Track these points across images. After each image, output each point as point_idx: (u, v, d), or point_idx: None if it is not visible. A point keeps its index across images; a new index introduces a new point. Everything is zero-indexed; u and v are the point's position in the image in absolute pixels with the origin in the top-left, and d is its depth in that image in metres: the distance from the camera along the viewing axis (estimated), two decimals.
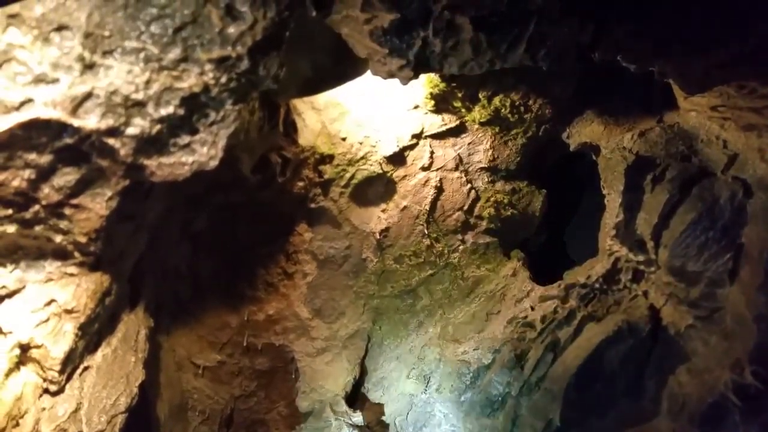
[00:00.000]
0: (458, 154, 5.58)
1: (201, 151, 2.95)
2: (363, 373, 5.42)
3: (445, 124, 5.54)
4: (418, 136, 5.51)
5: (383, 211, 5.51)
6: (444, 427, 5.23)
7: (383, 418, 5.35)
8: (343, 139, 5.37)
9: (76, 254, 2.91)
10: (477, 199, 5.66)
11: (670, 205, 4.86)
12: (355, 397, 5.36)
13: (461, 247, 5.64)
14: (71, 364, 3.02)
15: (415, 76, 3.56)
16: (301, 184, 5.22)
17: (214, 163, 3.00)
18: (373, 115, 5.44)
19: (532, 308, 5.28)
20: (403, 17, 3.19)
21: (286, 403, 5.30)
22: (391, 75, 3.61)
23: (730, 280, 4.57)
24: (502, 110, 5.51)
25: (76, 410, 3.07)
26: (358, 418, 5.13)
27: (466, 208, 5.62)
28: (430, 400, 5.27)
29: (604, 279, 5.27)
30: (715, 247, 4.62)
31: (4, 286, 2.76)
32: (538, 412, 4.79)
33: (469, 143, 5.60)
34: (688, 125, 5.13)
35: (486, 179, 5.68)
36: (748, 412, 4.30)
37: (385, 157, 5.42)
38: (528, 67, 4.71)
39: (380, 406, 5.34)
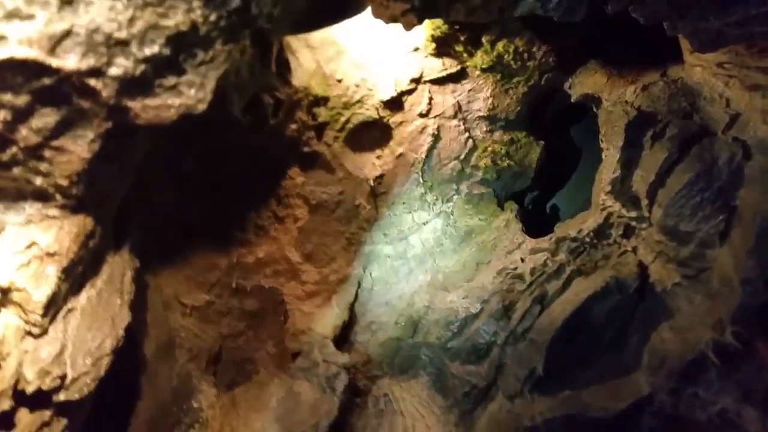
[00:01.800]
0: (457, 101, 5.43)
1: (188, 93, 2.82)
2: (352, 317, 5.45)
3: (446, 69, 5.37)
4: (417, 81, 5.34)
5: (378, 157, 5.41)
6: (429, 370, 5.33)
7: (370, 360, 5.42)
8: (339, 81, 5.20)
9: (58, 197, 2.82)
10: (474, 148, 5.56)
11: (668, 163, 4.79)
12: (344, 340, 5.41)
13: (455, 197, 5.58)
14: (54, 307, 2.98)
15: (419, 22, 3.40)
16: (293, 126, 5.08)
17: (202, 107, 2.88)
18: (371, 56, 5.25)
19: (522, 260, 5.29)
20: None
21: (274, 343, 5.35)
22: (393, 19, 3.44)
23: (720, 241, 4.56)
24: (505, 56, 5.34)
25: (60, 353, 3.05)
26: (345, 359, 5.20)
27: (462, 157, 5.53)
28: (416, 345, 5.34)
29: (594, 233, 5.26)
30: (709, 208, 4.59)
31: None
32: (523, 361, 4.87)
33: (469, 90, 5.44)
34: (692, 81, 5.01)
35: (484, 128, 5.55)
36: (725, 371, 4.39)
37: (382, 102, 5.27)
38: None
39: (367, 348, 5.41)
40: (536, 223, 5.79)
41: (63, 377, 3.13)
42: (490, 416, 4.96)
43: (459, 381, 5.07)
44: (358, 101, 5.27)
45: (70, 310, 3.22)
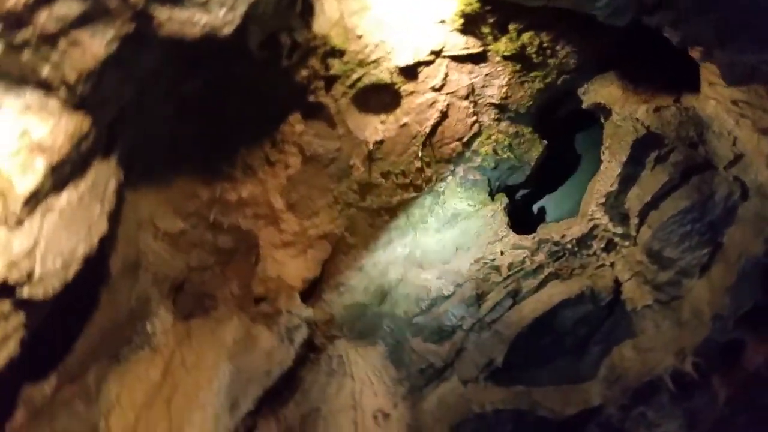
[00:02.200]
0: (472, 83, 5.36)
1: (217, 14, 2.71)
2: (323, 274, 5.41)
3: (467, 48, 5.27)
4: (437, 54, 5.24)
5: (382, 122, 5.32)
6: (388, 340, 5.34)
7: (332, 319, 5.40)
8: (359, 37, 5.06)
9: (61, 91, 2.69)
10: (478, 133, 5.52)
11: (666, 188, 4.84)
12: (310, 295, 5.38)
13: (449, 178, 5.54)
14: (34, 201, 2.87)
15: None
16: (305, 73, 4.94)
17: (228, 30, 2.78)
18: (396, 18, 5.12)
19: (502, 253, 5.31)
20: None
21: (240, 284, 5.28)
22: None
23: (700, 273, 4.64)
24: (528, 48, 5.27)
25: (32, 249, 2.96)
26: (308, 313, 5.17)
27: (465, 140, 5.48)
28: (381, 314, 5.34)
29: (577, 241, 5.31)
30: (697, 239, 4.66)
31: None
32: (484, 350, 4.93)
33: (486, 74, 5.37)
34: (704, 112, 5.02)
35: (493, 116, 5.50)
36: (678, 397, 4.51)
37: (397, 67, 5.16)
38: (571, 11, 4.49)
39: (332, 308, 5.38)
40: (521, 220, 5.79)
41: (30, 274, 3.04)
42: (441, 396, 5.02)
43: (417, 357, 5.10)
44: (374, 61, 5.16)
45: (49, 209, 3.12)
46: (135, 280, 4.63)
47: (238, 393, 4.86)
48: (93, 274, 3.93)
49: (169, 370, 4.82)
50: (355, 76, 5.12)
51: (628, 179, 5.12)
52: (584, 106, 5.63)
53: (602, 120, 5.62)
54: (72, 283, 3.40)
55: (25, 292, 3.05)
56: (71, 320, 4.02)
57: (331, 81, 5.10)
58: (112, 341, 4.41)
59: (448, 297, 5.15)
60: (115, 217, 3.95)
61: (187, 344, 4.96)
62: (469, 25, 5.19)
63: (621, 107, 5.38)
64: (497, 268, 5.20)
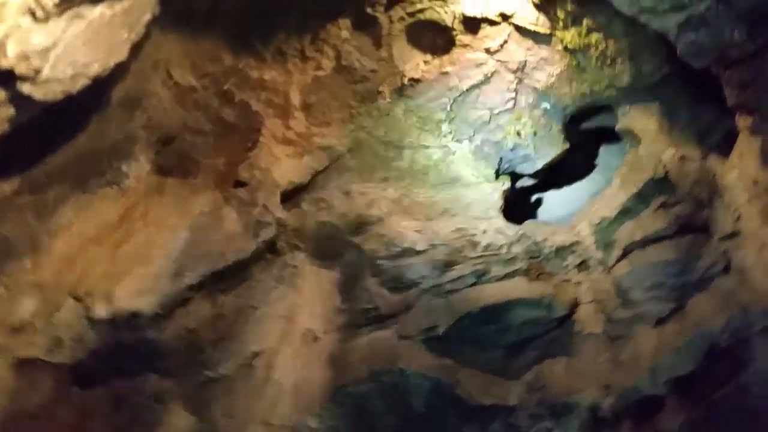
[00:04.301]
0: (526, 60, 5.22)
1: None
2: (310, 184, 5.31)
3: (536, 25, 5.11)
4: (505, 18, 5.07)
5: (426, 62, 5.15)
6: (346, 270, 5.28)
7: (300, 230, 5.35)
8: None
9: None
10: (510, 111, 5.41)
11: (660, 234, 4.88)
12: (289, 199, 5.29)
13: (466, 142, 5.46)
14: (68, 3, 2.70)
15: None
16: None
17: None
18: None
19: (485, 232, 5.32)
20: None
21: (227, 162, 5.15)
22: None
23: (655, 325, 4.76)
24: (592, 50, 5.13)
25: (49, 49, 2.77)
26: (282, 215, 5.11)
27: (496, 112, 5.38)
28: (350, 243, 5.24)
29: (556, 250, 5.36)
30: (666, 293, 4.76)
31: None
32: (431, 315, 4.99)
33: (542, 57, 5.23)
34: (722, 179, 4.99)
35: (531, 100, 5.40)
36: (586, 428, 4.70)
37: (463, 15, 4.97)
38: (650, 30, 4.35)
39: (305, 219, 5.32)
40: (512, 207, 5.78)
41: (38, 72, 2.87)
42: (373, 341, 5.08)
43: (367, 296, 5.13)
44: (442, 0, 4.94)
45: (78, 16, 2.92)
46: (130, 117, 4.45)
47: (187, 264, 4.79)
48: (93, 97, 3.75)
49: (129, 217, 4.72)
50: (419, 6, 4.92)
51: (627, 212, 5.15)
52: (617, 127, 5.57)
53: (628, 145, 5.59)
54: (74, 96, 3.25)
55: (26, 89, 2.89)
56: (54, 133, 3.86)
57: (394, 2, 4.88)
58: (85, 168, 4.27)
59: (418, 252, 5.16)
60: (135, 50, 3.75)
61: (156, 199, 4.85)
62: (548, 3, 5.01)
63: (650, 142, 5.35)
64: (474, 244, 5.22)
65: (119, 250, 4.63)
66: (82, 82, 3.25)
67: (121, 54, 3.45)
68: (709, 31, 3.80)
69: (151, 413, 4.45)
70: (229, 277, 4.99)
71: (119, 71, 3.94)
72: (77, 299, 4.14)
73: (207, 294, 4.91)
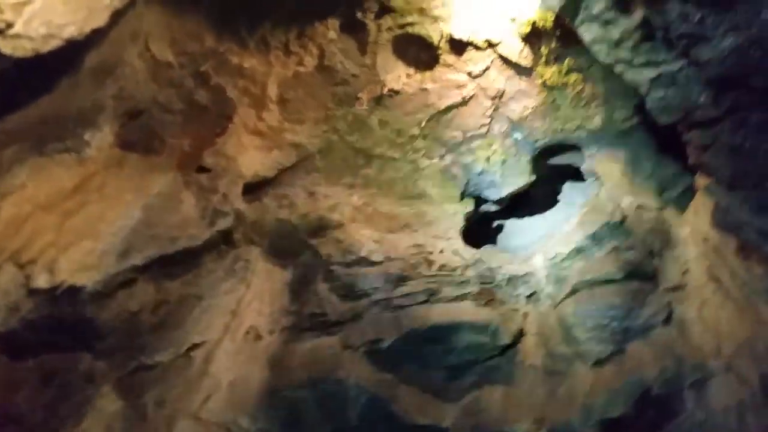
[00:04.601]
0: (504, 89, 5.28)
1: None
2: (275, 179, 5.23)
3: (519, 57, 5.16)
4: (490, 45, 5.11)
5: (408, 75, 5.16)
6: (298, 271, 5.28)
7: (258, 224, 5.25)
8: None
9: None
10: (483, 136, 5.47)
11: (608, 278, 5.00)
12: (251, 191, 5.20)
13: (436, 160, 5.49)
14: None
15: None
16: None
17: None
18: None
19: (442, 252, 5.35)
20: None
21: (193, 145, 4.99)
22: None
23: (591, 366, 4.88)
24: (569, 89, 5.23)
25: (24, 4, 2.70)
26: (242, 207, 5.02)
27: (468, 135, 5.42)
28: (306, 244, 5.25)
29: (509, 279, 5.42)
30: (607, 336, 4.88)
31: None
32: (378, 328, 4.99)
33: (520, 89, 5.30)
34: (675, 232, 5.14)
35: (504, 129, 5.46)
36: None
37: (450, 36, 4.99)
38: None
39: (264, 214, 5.23)
40: (473, 230, 5.84)
41: (9, 26, 2.78)
42: (316, 347, 5.04)
43: (316, 301, 5.09)
44: (433, 17, 4.97)
45: None
46: (100, 85, 4.27)
47: (136, 243, 4.63)
48: (65, 59, 3.60)
49: (84, 187, 4.53)
50: (409, 19, 4.92)
51: (581, 250, 5.27)
52: (583, 167, 5.69)
53: (591, 186, 5.71)
54: (44, 56, 3.11)
55: None
56: (19, 91, 3.67)
57: (385, 11, 4.87)
58: (46, 131, 4.07)
59: (374, 264, 5.15)
60: (116, 17, 3.62)
61: (114, 172, 4.67)
62: (533, 37, 5.07)
63: (612, 187, 5.49)
64: (430, 263, 5.25)
65: (69, 221, 4.43)
66: (54, 43, 3.14)
67: (101, 19, 3.34)
68: (677, 91, 3.93)
69: (81, 393, 4.26)
70: (179, 263, 4.85)
71: (96, 37, 3.79)
72: (18, 266, 3.94)
73: (153, 277, 4.75)
